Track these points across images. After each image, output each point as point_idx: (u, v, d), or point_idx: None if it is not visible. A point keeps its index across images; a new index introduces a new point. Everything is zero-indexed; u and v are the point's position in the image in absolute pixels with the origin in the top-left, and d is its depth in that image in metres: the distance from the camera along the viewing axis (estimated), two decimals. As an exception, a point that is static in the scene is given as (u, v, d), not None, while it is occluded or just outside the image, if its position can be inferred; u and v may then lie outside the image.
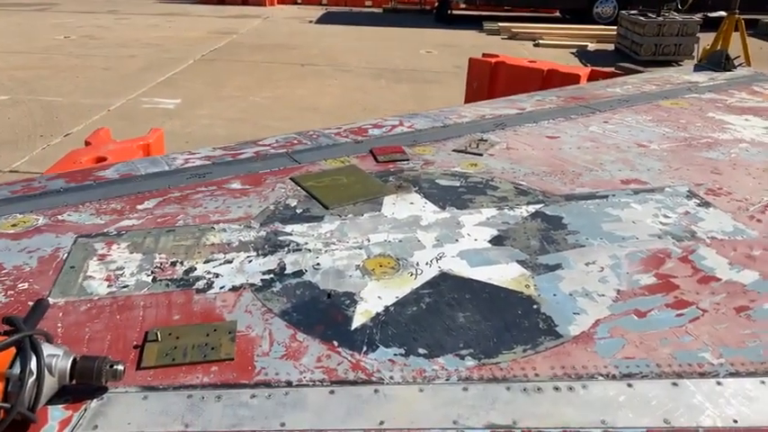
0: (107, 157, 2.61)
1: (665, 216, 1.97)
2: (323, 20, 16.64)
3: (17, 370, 1.08)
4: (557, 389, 1.25)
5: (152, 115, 7.41)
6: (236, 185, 2.18)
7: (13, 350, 1.11)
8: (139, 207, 2.00)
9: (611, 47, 12.24)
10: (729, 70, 3.94)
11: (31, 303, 1.39)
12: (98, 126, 5.18)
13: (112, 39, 12.60)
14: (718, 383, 1.26)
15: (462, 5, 16.31)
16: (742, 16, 8.34)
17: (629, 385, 1.26)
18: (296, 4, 19.81)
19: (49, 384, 1.13)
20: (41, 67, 9.82)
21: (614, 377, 1.28)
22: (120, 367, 1.18)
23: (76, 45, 11.88)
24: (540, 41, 12.79)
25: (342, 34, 13.96)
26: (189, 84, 9.13)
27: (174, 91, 8.68)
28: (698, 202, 2.08)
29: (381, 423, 1.15)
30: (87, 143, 2.94)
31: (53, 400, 1.16)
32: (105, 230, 1.84)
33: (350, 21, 16.35)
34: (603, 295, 1.55)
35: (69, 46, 11.81)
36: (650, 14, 10.89)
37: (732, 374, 1.29)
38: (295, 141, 2.64)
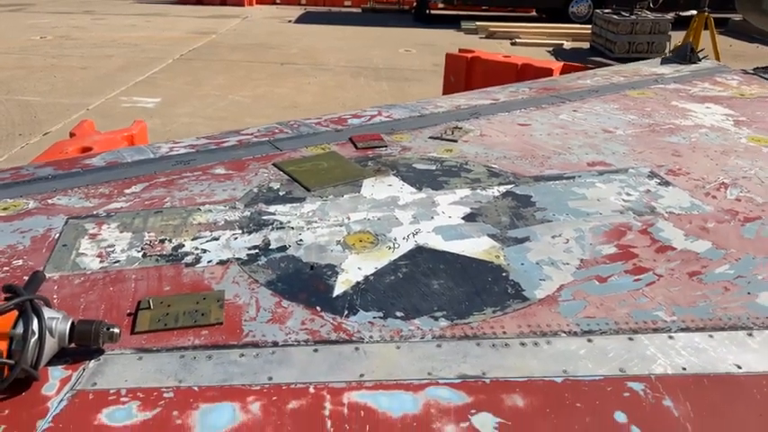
0: (92, 147, 2.67)
1: (628, 194, 2.09)
2: (302, 19, 16.67)
3: (20, 329, 1.16)
4: (523, 344, 1.35)
5: (132, 114, 7.38)
6: (220, 171, 2.26)
7: (15, 313, 1.18)
8: (127, 191, 2.07)
9: (586, 45, 12.45)
10: (694, 62, 4.10)
11: (26, 278, 1.45)
12: (78, 123, 5.19)
13: (89, 39, 12.50)
14: (670, 337, 1.38)
15: (440, 5, 16.47)
16: (713, 15, 8.58)
17: (589, 340, 1.37)
18: (275, 3, 19.79)
19: (50, 345, 1.20)
20: (18, 68, 9.74)
21: (576, 334, 1.39)
22: (117, 330, 1.26)
23: (53, 45, 11.78)
24: (517, 40, 12.98)
25: (321, 34, 14.01)
26: (168, 83, 9.13)
27: (153, 90, 8.67)
28: (659, 181, 2.20)
29: (361, 376, 1.25)
30: (72, 135, 2.99)
31: (53, 361, 1.23)
32: (95, 212, 1.91)
33: (329, 20, 16.41)
34: (568, 264, 1.66)
35: (45, 46, 11.70)
36: (624, 13, 11.12)
37: (683, 329, 1.41)
38: (277, 131, 2.73)
